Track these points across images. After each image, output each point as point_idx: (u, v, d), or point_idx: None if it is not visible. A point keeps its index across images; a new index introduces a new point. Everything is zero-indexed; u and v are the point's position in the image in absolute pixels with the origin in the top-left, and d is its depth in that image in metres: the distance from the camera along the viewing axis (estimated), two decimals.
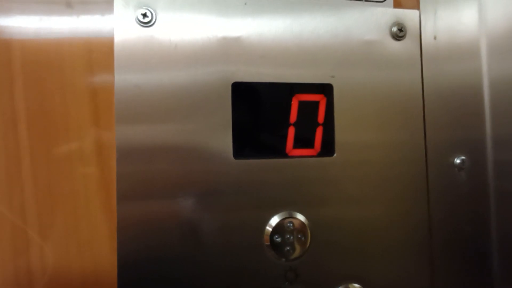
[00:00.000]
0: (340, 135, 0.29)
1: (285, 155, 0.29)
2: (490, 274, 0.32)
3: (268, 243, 0.28)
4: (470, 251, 0.32)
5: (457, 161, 0.31)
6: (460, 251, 0.31)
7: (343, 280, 0.29)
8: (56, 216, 0.25)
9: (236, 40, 0.28)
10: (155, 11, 0.26)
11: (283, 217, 0.28)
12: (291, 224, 0.28)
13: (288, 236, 0.28)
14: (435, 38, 0.32)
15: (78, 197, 0.25)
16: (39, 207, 0.24)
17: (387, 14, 0.31)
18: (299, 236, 0.28)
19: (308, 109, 0.29)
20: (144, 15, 0.26)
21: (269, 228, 0.28)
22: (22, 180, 0.24)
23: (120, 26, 0.26)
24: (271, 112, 0.29)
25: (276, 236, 0.28)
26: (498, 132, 0.32)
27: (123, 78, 0.26)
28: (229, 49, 0.28)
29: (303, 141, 0.29)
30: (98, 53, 0.26)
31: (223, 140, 0.27)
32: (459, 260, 0.31)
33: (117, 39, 0.26)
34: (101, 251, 0.25)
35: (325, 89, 0.29)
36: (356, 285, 0.29)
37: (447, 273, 0.31)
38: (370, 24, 0.30)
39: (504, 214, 0.32)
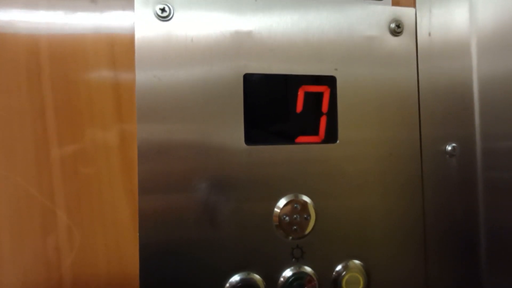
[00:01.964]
0: (342, 123, 0.32)
1: (292, 142, 0.31)
2: (478, 258, 0.35)
3: (277, 223, 0.30)
4: (460, 232, 0.34)
5: (449, 148, 0.34)
6: (450, 232, 0.34)
7: (345, 257, 0.32)
8: (82, 199, 0.27)
9: (248, 35, 0.30)
10: (172, 6, 0.28)
11: (290, 199, 0.31)
12: (298, 205, 0.31)
13: (295, 216, 0.30)
14: (429, 34, 0.34)
15: (102, 181, 0.27)
16: (66, 190, 0.26)
17: (386, 12, 0.33)
18: (305, 216, 0.31)
19: (313, 99, 0.32)
20: (163, 10, 0.28)
21: (277, 209, 0.30)
22: (50, 164, 0.26)
23: (140, 20, 0.28)
24: (279, 102, 0.31)
25: (284, 217, 0.30)
26: (487, 120, 0.35)
27: (144, 71, 0.28)
28: (241, 43, 0.30)
29: (309, 129, 0.31)
30: (120, 46, 0.28)
31: (235, 128, 0.29)
32: (450, 240, 0.34)
33: (138, 32, 0.28)
34: (124, 231, 0.27)
35: (329, 81, 0.32)
36: (357, 261, 0.32)
37: (439, 252, 0.34)
38: (370, 21, 0.33)
39: (490, 197, 0.35)
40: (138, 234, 0.27)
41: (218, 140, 0.29)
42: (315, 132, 0.31)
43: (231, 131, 0.29)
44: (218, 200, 0.29)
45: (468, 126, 0.35)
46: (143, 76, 0.28)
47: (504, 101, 0.35)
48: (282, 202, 0.31)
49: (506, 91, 0.35)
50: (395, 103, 0.33)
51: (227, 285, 0.29)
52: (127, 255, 0.27)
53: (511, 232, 0.35)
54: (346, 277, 0.31)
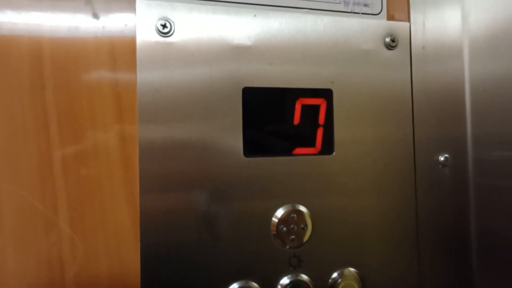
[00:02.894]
0: (338, 135, 0.33)
1: (290, 154, 0.32)
2: (469, 262, 0.36)
3: (274, 233, 0.31)
4: (452, 237, 0.36)
5: (441, 158, 0.35)
6: (443, 238, 0.35)
7: (340, 265, 0.33)
8: (85, 210, 0.27)
9: (247, 49, 0.31)
10: (173, 22, 0.29)
11: (287, 209, 0.31)
12: (295, 215, 0.31)
13: (292, 226, 0.31)
14: (423, 48, 0.35)
15: (104, 192, 0.28)
16: (69, 201, 0.27)
17: (381, 26, 0.34)
18: (302, 226, 0.32)
19: (310, 112, 0.32)
20: (164, 26, 0.29)
21: (275, 219, 0.31)
22: (54, 176, 0.27)
23: (142, 36, 0.28)
24: (277, 114, 0.32)
25: (282, 226, 0.31)
26: (478, 132, 0.36)
27: (145, 81, 0.28)
28: (240, 57, 0.30)
29: (306, 140, 0.32)
30: (121, 54, 0.28)
31: (234, 140, 0.30)
32: (443, 247, 0.35)
33: (139, 47, 0.28)
34: (125, 238, 0.28)
35: (326, 94, 0.33)
36: (352, 269, 0.33)
37: (431, 258, 0.35)
38: (366, 35, 0.33)
39: (482, 205, 0.36)
40: (139, 237, 0.28)
41: (218, 151, 0.30)
42: (312, 144, 0.32)
43: (231, 143, 0.30)
44: (218, 209, 0.30)
45: (460, 136, 0.36)
46: (144, 87, 0.28)
47: (495, 109, 0.36)
48: (279, 212, 0.31)
49: (497, 97, 0.36)
50: (390, 113, 0.34)
51: None
52: (129, 260, 0.28)
53: (500, 236, 0.36)
54: (342, 284, 0.32)
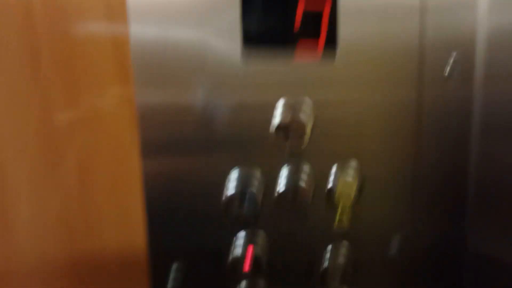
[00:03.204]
0: (344, 30, 0.31)
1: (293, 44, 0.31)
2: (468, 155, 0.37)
3: (274, 128, 0.31)
4: (452, 128, 0.35)
5: (450, 60, 0.34)
6: (442, 132, 0.35)
7: (341, 158, 0.33)
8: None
9: None
10: None
11: (288, 103, 0.31)
12: (297, 108, 0.31)
13: (294, 116, 0.31)
14: None
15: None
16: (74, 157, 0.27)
17: None
18: (304, 118, 0.31)
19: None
20: None
21: (276, 114, 0.31)
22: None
23: None
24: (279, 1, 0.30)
25: (283, 125, 0.31)
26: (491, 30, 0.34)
27: None
28: None
29: (309, 33, 0.31)
30: None
31: (233, 29, 0.29)
32: (441, 142, 0.35)
33: None
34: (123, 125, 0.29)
35: None
36: (354, 163, 0.33)
37: (428, 151, 0.35)
38: None
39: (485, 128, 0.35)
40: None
41: (214, 43, 0.29)
42: (316, 35, 0.31)
43: (229, 33, 0.29)
44: (218, 102, 0.30)
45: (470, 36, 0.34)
46: None
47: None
48: (280, 104, 0.31)
49: None
50: (398, 11, 0.32)
51: (226, 188, 0.31)
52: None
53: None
54: (341, 180, 0.33)
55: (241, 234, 0.32)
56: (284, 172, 0.32)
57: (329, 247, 0.35)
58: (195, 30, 0.29)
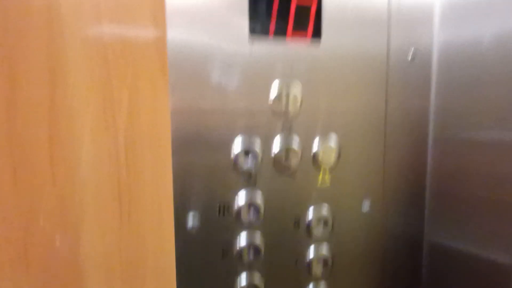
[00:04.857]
0: (326, 22, 0.40)
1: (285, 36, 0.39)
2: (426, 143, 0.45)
3: (271, 103, 0.40)
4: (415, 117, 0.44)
5: (412, 49, 0.43)
6: (405, 127, 0.44)
7: (324, 131, 0.42)
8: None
9: None
10: None
11: (283, 82, 0.40)
12: (288, 88, 0.40)
13: (286, 95, 0.40)
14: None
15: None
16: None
17: None
18: (294, 95, 0.40)
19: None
20: None
21: (273, 92, 0.40)
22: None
23: None
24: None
25: (276, 96, 0.39)
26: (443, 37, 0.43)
27: None
28: None
29: (300, 26, 0.39)
30: None
31: (241, 22, 0.37)
32: (405, 126, 0.44)
33: None
34: (157, 95, 0.36)
35: None
36: (333, 134, 0.42)
37: (394, 134, 0.44)
38: None
39: (441, 95, 0.44)
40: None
41: (227, 32, 0.37)
42: (305, 29, 0.40)
43: (238, 25, 0.38)
44: (229, 78, 0.38)
45: (427, 39, 0.43)
46: None
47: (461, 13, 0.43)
48: (275, 84, 0.40)
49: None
50: (370, 8, 0.41)
51: (233, 145, 0.39)
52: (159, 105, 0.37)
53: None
54: (323, 148, 0.41)
55: (242, 192, 0.40)
56: (278, 139, 0.40)
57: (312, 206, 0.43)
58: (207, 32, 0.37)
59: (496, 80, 0.39)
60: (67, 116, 0.35)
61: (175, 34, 0.36)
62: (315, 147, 0.42)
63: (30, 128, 0.34)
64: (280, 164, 0.40)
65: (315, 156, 0.42)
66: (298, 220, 0.43)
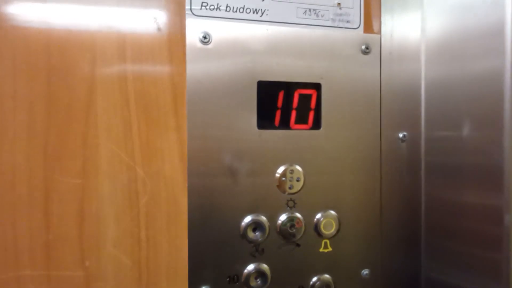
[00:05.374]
0: (325, 116, 0.46)
1: (290, 128, 0.45)
2: (419, 218, 0.49)
3: (277, 183, 0.45)
4: (406, 197, 0.49)
5: (401, 135, 0.48)
6: (399, 195, 0.48)
7: (324, 207, 0.46)
8: (152, 160, 0.41)
9: (261, 53, 0.44)
10: (211, 35, 0.42)
11: (286, 166, 0.45)
12: (292, 171, 0.45)
13: (290, 178, 0.45)
14: (390, 53, 0.48)
15: (163, 151, 0.41)
16: (142, 153, 0.41)
17: (359, 37, 0.47)
18: (297, 178, 0.45)
19: (305, 99, 0.45)
20: (205, 37, 0.42)
21: (277, 174, 0.45)
22: (132, 137, 0.40)
23: (189, 44, 0.42)
24: (282, 100, 0.45)
25: (283, 178, 0.45)
26: (430, 116, 0.48)
27: (192, 78, 0.42)
28: (256, 59, 0.43)
29: (302, 119, 0.45)
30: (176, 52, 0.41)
31: (251, 117, 0.43)
32: (400, 200, 0.48)
33: (188, 52, 0.41)
34: (177, 183, 0.42)
35: (316, 86, 0.46)
36: (332, 211, 0.46)
37: (390, 209, 0.48)
38: (347, 44, 0.46)
39: (429, 176, 0.49)
40: (187, 181, 0.42)
41: (238, 125, 0.43)
42: (306, 122, 0.45)
43: (248, 120, 0.43)
44: (238, 166, 0.43)
45: (416, 119, 0.49)
46: (192, 82, 0.42)
47: (443, 99, 0.48)
48: (281, 169, 0.45)
49: (445, 90, 0.48)
50: (363, 102, 0.47)
51: (243, 223, 0.44)
52: (179, 194, 0.42)
53: (445, 203, 0.49)
54: (324, 221, 0.46)
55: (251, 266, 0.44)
56: (283, 215, 0.45)
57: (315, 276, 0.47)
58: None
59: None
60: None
61: (196, 130, 0.42)
62: (316, 219, 0.46)
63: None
64: (285, 234, 0.45)
65: (317, 226, 0.46)
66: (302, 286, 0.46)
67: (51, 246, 0.38)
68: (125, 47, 0.40)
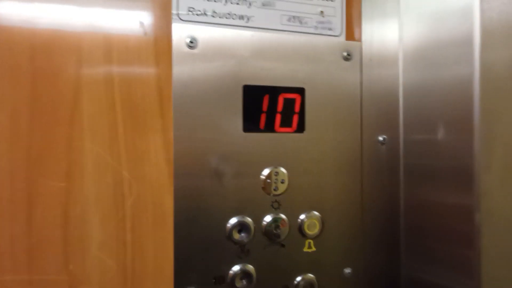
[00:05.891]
0: (308, 120, 0.47)
1: (274, 131, 0.46)
2: (398, 217, 0.52)
3: (262, 185, 0.46)
4: (385, 196, 0.51)
5: (380, 138, 0.50)
6: (380, 194, 0.50)
7: (307, 208, 0.47)
8: (138, 163, 0.41)
9: (247, 58, 0.45)
10: (197, 40, 0.43)
11: (271, 169, 0.46)
12: (277, 173, 0.46)
13: (275, 180, 0.46)
14: (370, 60, 0.50)
15: (149, 153, 0.42)
16: (128, 156, 0.41)
17: (340, 44, 0.49)
18: (281, 180, 0.46)
19: (289, 103, 0.47)
20: (191, 42, 0.42)
21: (262, 176, 0.46)
22: (118, 139, 0.40)
23: (176, 48, 0.42)
24: (266, 104, 0.46)
25: (268, 180, 0.46)
26: (408, 120, 0.51)
27: (178, 81, 0.42)
28: (242, 63, 0.44)
29: (286, 122, 0.47)
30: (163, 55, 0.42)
31: (236, 121, 0.44)
32: (380, 200, 0.50)
33: (175, 56, 0.42)
34: (163, 183, 0.42)
35: (300, 91, 0.47)
36: (316, 212, 0.48)
37: (371, 209, 0.50)
38: (329, 50, 0.48)
39: (408, 177, 0.51)
40: (172, 182, 0.42)
41: (224, 128, 0.44)
42: (290, 125, 0.47)
43: (234, 123, 0.44)
44: (224, 169, 0.44)
45: (395, 121, 0.51)
46: (178, 85, 0.42)
47: (421, 103, 0.51)
48: (266, 171, 0.46)
49: (422, 95, 0.51)
50: (345, 106, 0.49)
51: (228, 224, 0.44)
52: (166, 197, 0.42)
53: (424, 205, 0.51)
54: (308, 222, 0.47)
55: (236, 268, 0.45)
56: (268, 216, 0.46)
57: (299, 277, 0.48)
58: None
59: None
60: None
61: (182, 133, 0.42)
62: (300, 219, 0.47)
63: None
64: (269, 234, 0.46)
65: (301, 226, 0.47)
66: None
67: (34, 250, 0.38)
68: (111, 49, 0.40)
